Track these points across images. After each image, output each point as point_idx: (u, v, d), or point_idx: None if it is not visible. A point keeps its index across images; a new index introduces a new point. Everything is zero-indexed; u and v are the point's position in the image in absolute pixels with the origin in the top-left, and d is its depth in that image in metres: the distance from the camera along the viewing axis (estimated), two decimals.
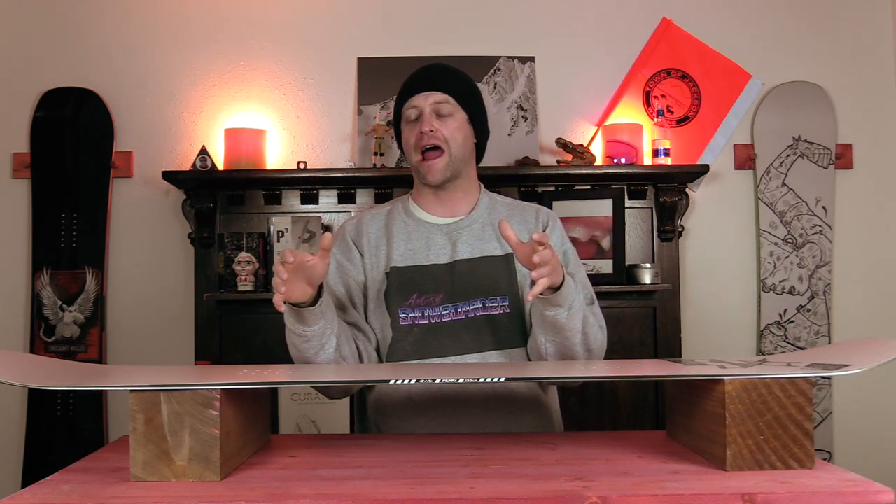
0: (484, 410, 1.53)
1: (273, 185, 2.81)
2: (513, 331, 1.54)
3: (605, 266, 2.74)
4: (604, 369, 1.31)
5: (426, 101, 1.56)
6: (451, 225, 1.61)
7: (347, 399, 2.74)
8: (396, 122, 1.65)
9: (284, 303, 1.32)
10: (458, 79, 1.62)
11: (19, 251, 2.88)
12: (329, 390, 1.57)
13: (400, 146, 1.66)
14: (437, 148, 1.56)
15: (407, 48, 2.90)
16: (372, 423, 1.60)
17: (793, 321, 2.91)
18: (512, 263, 1.57)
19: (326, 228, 2.81)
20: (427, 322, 1.54)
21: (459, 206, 1.63)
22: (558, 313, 1.40)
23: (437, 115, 1.56)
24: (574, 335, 1.45)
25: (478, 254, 1.58)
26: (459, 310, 1.54)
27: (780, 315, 2.91)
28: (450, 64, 1.67)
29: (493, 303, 1.55)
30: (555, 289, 1.38)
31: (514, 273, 1.57)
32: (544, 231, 1.62)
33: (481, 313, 1.54)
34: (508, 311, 1.55)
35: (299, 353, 1.44)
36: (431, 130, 1.55)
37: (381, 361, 1.62)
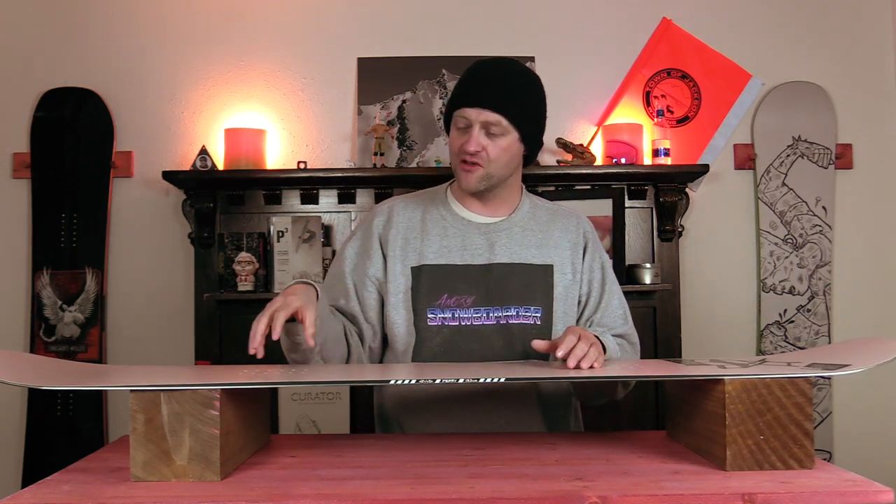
0: (512, 408, 1.51)
1: (273, 185, 2.81)
2: None
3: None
4: (605, 369, 1.31)
5: (478, 117, 1.46)
6: (491, 225, 1.56)
7: (348, 399, 2.74)
8: (447, 116, 1.55)
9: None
10: (518, 95, 1.50)
11: (19, 251, 2.88)
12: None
13: (447, 131, 1.58)
14: (478, 165, 1.49)
15: (407, 48, 2.90)
16: (394, 423, 1.58)
17: (793, 321, 2.91)
18: (550, 275, 1.54)
19: (326, 228, 2.81)
20: (457, 324, 1.50)
21: (500, 207, 1.58)
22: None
23: (487, 133, 1.47)
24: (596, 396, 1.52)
25: (516, 259, 1.54)
26: (491, 314, 1.51)
27: (780, 315, 2.92)
28: (519, 65, 1.54)
29: (526, 312, 1.51)
30: None
31: (550, 285, 1.54)
32: (585, 248, 1.60)
33: (514, 321, 1.51)
34: (540, 322, 1.51)
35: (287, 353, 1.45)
36: (477, 151, 1.47)
37: (380, 358, 1.61)
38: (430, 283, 1.52)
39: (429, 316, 1.50)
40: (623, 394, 1.56)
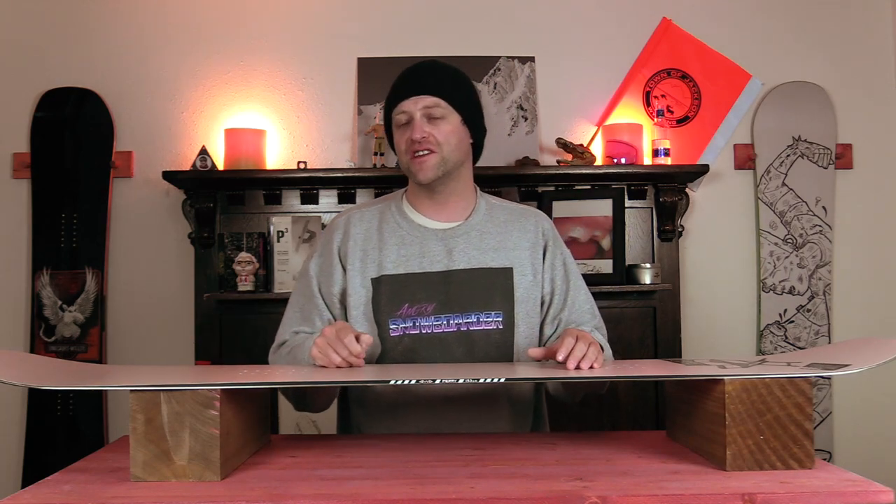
0: (469, 414, 1.51)
1: (273, 185, 2.81)
2: (504, 348, 1.51)
3: (605, 266, 2.74)
4: (603, 369, 1.31)
5: (416, 105, 1.48)
6: (448, 231, 1.55)
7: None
8: (388, 126, 1.58)
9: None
10: (449, 79, 1.53)
11: (19, 251, 2.88)
12: (299, 403, 1.52)
13: (392, 149, 1.59)
14: (430, 152, 1.49)
15: (407, 48, 2.89)
16: (353, 425, 1.59)
17: (793, 321, 2.91)
18: (510, 278, 1.53)
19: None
20: (418, 332, 1.50)
21: (456, 211, 1.57)
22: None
23: (429, 119, 1.48)
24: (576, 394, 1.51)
25: (475, 264, 1.53)
26: (452, 322, 1.50)
27: (780, 315, 2.91)
28: (444, 62, 1.58)
29: (487, 317, 1.51)
30: None
31: (511, 288, 1.53)
32: (545, 248, 1.59)
33: (475, 327, 1.50)
34: (501, 327, 1.51)
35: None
36: (423, 137, 1.48)
37: None
38: (389, 293, 1.51)
39: (391, 326, 1.50)
40: (605, 388, 1.59)
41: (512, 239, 1.57)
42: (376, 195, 2.81)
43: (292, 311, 1.58)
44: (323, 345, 1.33)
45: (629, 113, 2.91)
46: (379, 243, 1.55)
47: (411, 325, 1.50)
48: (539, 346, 1.56)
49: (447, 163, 1.50)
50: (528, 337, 1.53)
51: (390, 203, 1.61)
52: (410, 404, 1.51)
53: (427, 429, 1.48)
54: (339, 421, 1.66)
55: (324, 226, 2.78)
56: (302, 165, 2.74)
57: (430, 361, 1.49)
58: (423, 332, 1.50)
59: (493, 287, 1.52)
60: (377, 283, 1.52)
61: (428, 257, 1.53)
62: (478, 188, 1.64)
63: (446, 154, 1.49)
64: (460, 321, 1.50)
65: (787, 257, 2.92)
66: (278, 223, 2.72)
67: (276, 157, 2.91)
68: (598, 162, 2.82)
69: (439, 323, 1.50)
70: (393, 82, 1.55)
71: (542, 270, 1.57)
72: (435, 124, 1.49)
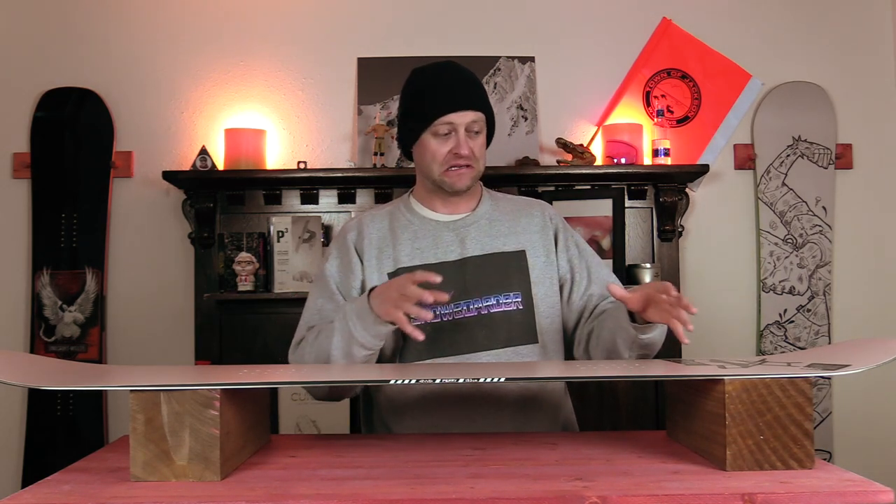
0: (497, 409, 1.51)
1: (273, 185, 2.81)
2: (526, 327, 1.54)
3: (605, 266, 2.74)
4: (605, 369, 1.31)
5: (462, 119, 1.52)
6: (458, 221, 1.60)
7: (348, 399, 2.73)
8: (418, 125, 1.55)
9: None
10: (482, 92, 1.59)
11: (19, 251, 2.88)
12: (318, 392, 1.54)
13: (403, 144, 1.61)
14: (469, 166, 1.55)
15: (407, 48, 2.90)
16: (381, 424, 1.58)
17: (793, 321, 2.91)
18: (524, 260, 1.57)
19: (326, 228, 2.81)
20: (439, 320, 1.51)
21: (463, 204, 1.62)
22: (654, 335, 1.45)
23: (468, 132, 1.53)
24: (658, 347, 1.50)
25: (489, 250, 1.57)
26: (472, 306, 1.53)
27: (780, 315, 2.91)
28: (462, 65, 1.62)
29: (506, 299, 1.54)
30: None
31: (525, 269, 1.57)
32: (556, 232, 1.63)
33: (495, 310, 1.53)
34: (521, 307, 1.54)
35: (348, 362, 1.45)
36: (469, 153, 1.53)
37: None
38: None
39: (410, 317, 1.50)
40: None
41: (521, 224, 1.62)
42: (376, 195, 2.81)
43: (309, 314, 1.58)
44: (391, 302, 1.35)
45: (629, 113, 2.91)
46: (392, 241, 1.59)
47: (432, 313, 1.50)
48: (563, 327, 1.60)
49: (479, 174, 1.58)
50: (548, 317, 1.56)
51: (398, 204, 1.66)
52: (437, 402, 1.52)
53: (460, 427, 1.48)
54: (365, 419, 1.65)
55: (324, 226, 2.78)
56: (302, 165, 2.74)
57: (453, 347, 1.51)
58: (444, 319, 1.52)
59: (508, 269, 1.56)
60: (394, 276, 1.53)
61: (442, 248, 1.57)
62: (481, 183, 1.68)
63: (480, 167, 1.57)
64: (480, 305, 1.53)
65: (787, 257, 2.92)
66: (278, 223, 2.72)
67: (276, 157, 2.91)
68: (598, 162, 2.82)
69: (459, 309, 1.53)
70: (424, 84, 1.57)
71: (555, 253, 1.61)
72: (473, 138, 1.54)
